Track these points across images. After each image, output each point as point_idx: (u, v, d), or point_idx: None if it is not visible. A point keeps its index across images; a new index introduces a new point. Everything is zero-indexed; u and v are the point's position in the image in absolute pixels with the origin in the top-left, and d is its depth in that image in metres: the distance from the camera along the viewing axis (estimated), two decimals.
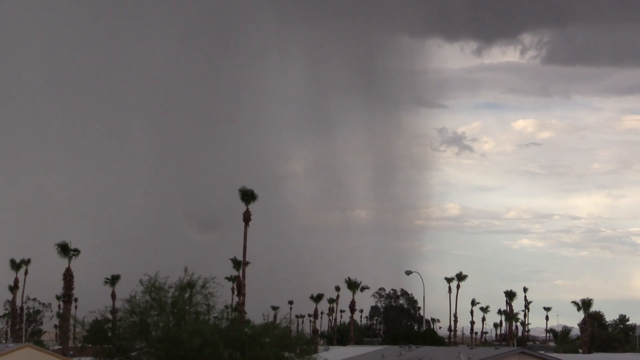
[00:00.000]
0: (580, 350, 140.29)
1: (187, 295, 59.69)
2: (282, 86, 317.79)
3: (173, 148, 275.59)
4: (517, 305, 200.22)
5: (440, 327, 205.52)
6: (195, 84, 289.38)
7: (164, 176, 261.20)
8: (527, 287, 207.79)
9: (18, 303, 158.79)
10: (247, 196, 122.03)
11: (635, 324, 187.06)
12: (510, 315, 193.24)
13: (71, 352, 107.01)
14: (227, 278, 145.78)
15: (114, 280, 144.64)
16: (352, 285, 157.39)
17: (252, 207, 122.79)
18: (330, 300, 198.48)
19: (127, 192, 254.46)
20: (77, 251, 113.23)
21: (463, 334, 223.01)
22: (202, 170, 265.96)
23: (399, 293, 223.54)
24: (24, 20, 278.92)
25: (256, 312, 76.56)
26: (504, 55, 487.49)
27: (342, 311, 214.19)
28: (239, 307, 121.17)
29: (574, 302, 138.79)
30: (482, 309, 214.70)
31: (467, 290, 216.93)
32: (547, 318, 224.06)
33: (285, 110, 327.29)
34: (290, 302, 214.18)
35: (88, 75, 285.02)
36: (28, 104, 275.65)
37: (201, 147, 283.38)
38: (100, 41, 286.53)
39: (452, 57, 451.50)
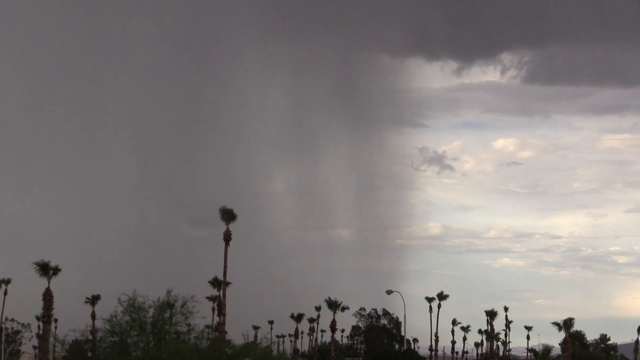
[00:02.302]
0: None
1: (167, 315, 59.41)
2: (264, 104, 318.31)
3: (155, 166, 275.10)
4: (498, 324, 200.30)
5: (419, 347, 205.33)
6: (177, 101, 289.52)
7: (145, 195, 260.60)
8: (508, 306, 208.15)
9: None
10: (228, 215, 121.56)
11: (616, 344, 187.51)
12: (491, 335, 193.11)
13: None
14: (207, 298, 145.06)
15: (94, 300, 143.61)
16: (332, 305, 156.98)
17: (233, 226, 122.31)
18: (311, 320, 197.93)
19: (108, 211, 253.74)
20: (57, 270, 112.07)
21: (444, 353, 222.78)
22: (184, 189, 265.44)
23: (380, 313, 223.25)
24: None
25: (237, 332, 76.38)
26: (484, 74, 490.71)
27: (322, 331, 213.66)
28: (220, 327, 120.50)
29: (556, 323, 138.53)
30: (463, 328, 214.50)
31: (448, 309, 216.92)
32: (528, 337, 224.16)
33: (267, 128, 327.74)
34: (271, 322, 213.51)
35: (68, 91, 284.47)
36: (6, 119, 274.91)
37: (183, 165, 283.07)
38: (81, 58, 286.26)
39: (432, 76, 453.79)
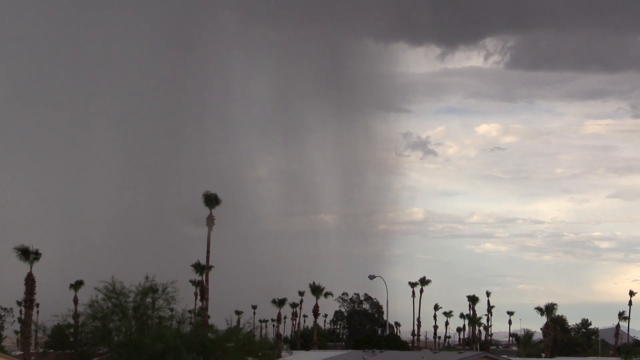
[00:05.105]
0: (543, 355, 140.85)
1: (149, 299, 59.45)
2: (248, 90, 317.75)
3: (139, 152, 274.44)
4: (481, 309, 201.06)
5: (400, 332, 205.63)
6: (160, 87, 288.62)
7: (129, 181, 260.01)
8: (490, 291, 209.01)
9: None
10: (211, 200, 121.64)
11: (597, 328, 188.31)
12: (473, 320, 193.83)
13: (33, 358, 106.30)
14: (191, 282, 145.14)
15: (77, 285, 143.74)
16: (316, 290, 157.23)
17: (217, 211, 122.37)
18: (293, 305, 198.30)
19: (92, 196, 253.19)
20: (37, 255, 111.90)
21: (426, 338, 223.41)
22: (169, 175, 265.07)
23: (362, 298, 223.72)
24: None
25: (220, 317, 76.42)
26: (468, 60, 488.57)
27: (305, 316, 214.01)
28: (202, 312, 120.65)
29: (538, 308, 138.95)
30: (445, 313, 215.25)
31: (431, 294, 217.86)
32: (510, 322, 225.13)
33: (251, 114, 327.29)
34: (254, 307, 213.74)
35: (53, 79, 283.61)
36: None
37: (167, 151, 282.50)
38: (64, 46, 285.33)
39: (416, 62, 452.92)
